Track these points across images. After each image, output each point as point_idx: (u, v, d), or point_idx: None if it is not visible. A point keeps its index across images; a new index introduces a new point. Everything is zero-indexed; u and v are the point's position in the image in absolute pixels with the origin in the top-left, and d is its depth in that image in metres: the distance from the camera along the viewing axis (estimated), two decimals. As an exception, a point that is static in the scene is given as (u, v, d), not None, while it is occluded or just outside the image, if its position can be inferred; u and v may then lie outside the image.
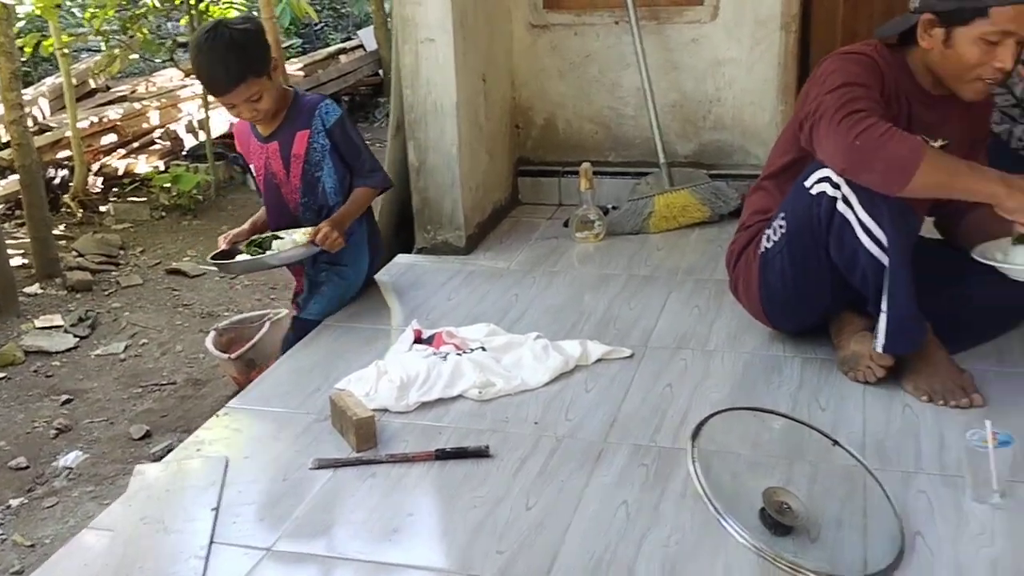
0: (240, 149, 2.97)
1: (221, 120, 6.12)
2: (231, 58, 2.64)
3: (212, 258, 2.86)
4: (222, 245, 2.87)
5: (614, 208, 3.56)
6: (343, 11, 9.59)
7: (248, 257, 2.78)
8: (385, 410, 2.31)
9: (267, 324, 3.14)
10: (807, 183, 2.26)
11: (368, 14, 8.48)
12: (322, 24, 9.34)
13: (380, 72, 7.97)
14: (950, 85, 2.26)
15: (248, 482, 2.08)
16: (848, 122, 2.08)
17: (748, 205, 2.62)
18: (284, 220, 2.90)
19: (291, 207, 2.89)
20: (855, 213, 2.17)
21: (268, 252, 2.74)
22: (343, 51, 8.12)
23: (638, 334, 2.71)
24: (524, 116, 3.88)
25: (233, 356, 3.10)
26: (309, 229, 2.75)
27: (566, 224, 3.52)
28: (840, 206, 2.19)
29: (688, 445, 1.80)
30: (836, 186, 2.19)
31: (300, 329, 2.87)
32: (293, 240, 2.76)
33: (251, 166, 2.94)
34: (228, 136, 6.15)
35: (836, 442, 1.96)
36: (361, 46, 8.22)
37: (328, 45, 8.56)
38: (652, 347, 2.63)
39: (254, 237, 2.87)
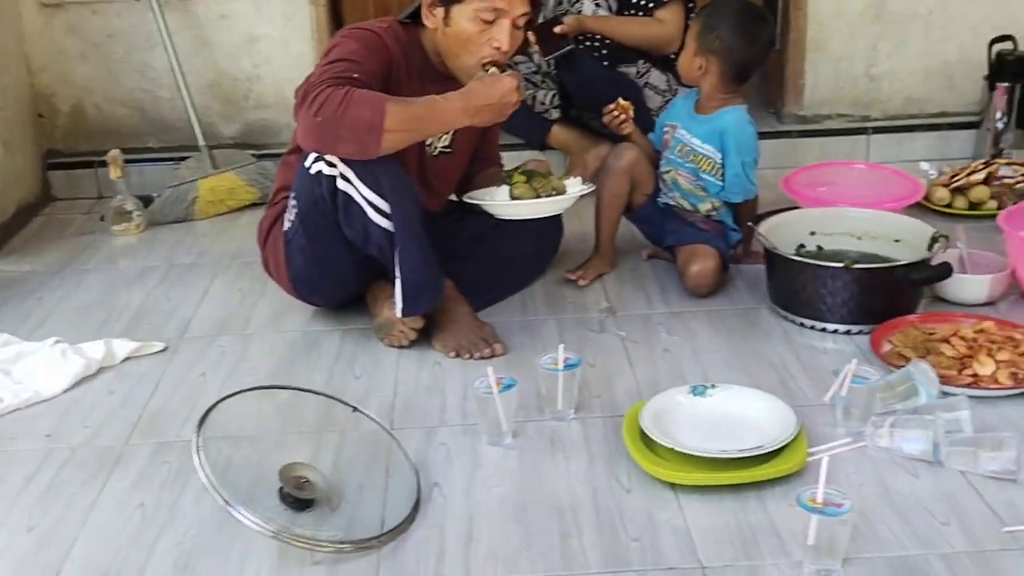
0: None
1: None
2: None
3: None
4: None
5: (156, 196, 3.36)
6: None
7: None
8: None
9: None
10: (307, 163, 2.24)
11: None
12: None
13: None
14: (452, 65, 2.32)
15: None
16: (308, 100, 2.07)
17: (276, 181, 2.57)
18: None
19: None
20: (356, 188, 2.18)
21: None
22: None
23: (175, 325, 2.57)
24: (47, 104, 3.55)
25: None
26: None
27: (102, 218, 3.27)
28: (340, 183, 2.19)
29: (193, 436, 1.70)
30: (332, 164, 2.19)
31: None
32: None
33: None
34: None
35: (355, 408, 1.96)
36: None
37: None
38: (188, 338, 2.50)
39: None
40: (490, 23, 2.23)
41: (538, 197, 2.35)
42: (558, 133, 3.49)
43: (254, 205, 3.41)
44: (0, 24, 3.28)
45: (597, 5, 3.35)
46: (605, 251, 2.74)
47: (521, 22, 2.27)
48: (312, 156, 2.21)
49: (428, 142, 2.42)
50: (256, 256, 2.94)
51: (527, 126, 3.50)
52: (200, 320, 2.60)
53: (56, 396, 2.21)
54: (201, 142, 3.40)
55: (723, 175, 2.61)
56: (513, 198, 2.36)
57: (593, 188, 2.50)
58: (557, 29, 3.19)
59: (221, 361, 2.38)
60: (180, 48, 3.39)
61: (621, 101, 2.66)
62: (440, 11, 2.25)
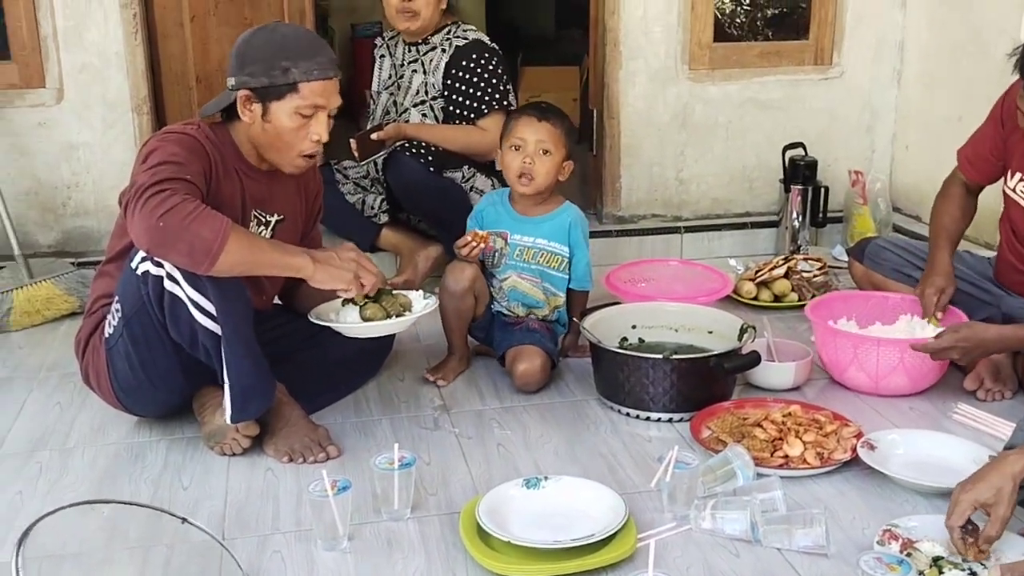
0: None
1: None
2: None
3: None
4: None
5: (-34, 308, 3.21)
6: None
7: None
8: None
9: None
10: (133, 264, 2.22)
11: None
12: None
13: None
14: (272, 158, 2.36)
15: None
16: (153, 201, 2.06)
17: (92, 291, 2.51)
18: None
19: None
20: (183, 289, 2.17)
21: None
22: None
23: (-13, 443, 2.44)
24: None
25: None
26: None
27: (-94, 332, 3.10)
28: (167, 283, 2.17)
29: (13, 556, 1.62)
30: (159, 264, 2.17)
31: None
32: None
33: None
34: None
35: (184, 519, 1.90)
36: None
37: None
38: (4, 455, 2.38)
39: None
40: (308, 117, 2.29)
41: (388, 317, 2.37)
42: (388, 236, 3.55)
43: (73, 315, 3.30)
44: None
45: (424, 115, 3.47)
46: (460, 352, 2.80)
47: (334, 112, 2.35)
48: (139, 256, 2.19)
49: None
50: (76, 367, 2.85)
51: (357, 229, 3.56)
52: (16, 436, 2.48)
53: None
54: (16, 251, 3.28)
55: (569, 269, 2.74)
56: (364, 319, 2.37)
57: (436, 302, 2.54)
58: (374, 136, 3.29)
59: (39, 478, 2.27)
60: (-6, 155, 3.30)
61: (478, 231, 2.71)
62: (258, 107, 2.29)
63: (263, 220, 2.43)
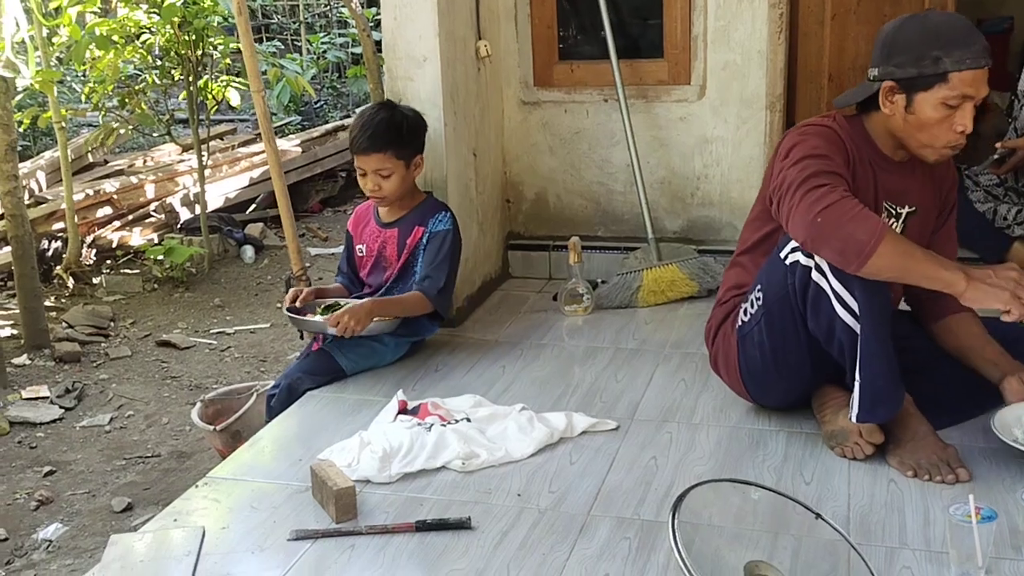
0: (351, 228, 3.17)
1: (216, 195, 6.18)
2: (382, 127, 2.91)
3: (288, 310, 2.99)
4: (288, 302, 3.00)
5: (603, 282, 3.58)
6: (343, 91, 9.73)
7: (316, 319, 2.90)
8: (367, 481, 2.30)
9: (254, 396, 3.12)
10: (782, 254, 2.29)
11: (367, 93, 8.61)
12: (322, 103, 9.47)
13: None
14: (913, 149, 2.31)
15: (224, 552, 2.05)
16: (811, 197, 2.11)
17: (724, 281, 2.64)
18: (365, 296, 3.08)
19: (381, 290, 3.06)
20: (828, 282, 2.19)
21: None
22: (341, 128, 8.22)
23: (624, 407, 2.70)
24: (515, 191, 3.92)
25: (219, 428, 3.08)
26: None
27: (555, 298, 3.54)
28: (815, 275, 2.21)
29: (668, 517, 1.78)
30: (810, 255, 2.21)
31: (318, 361, 2.95)
32: None
33: (359, 246, 3.13)
34: (224, 210, 6.22)
35: (819, 515, 1.93)
36: (358, 124, 8.31)
37: (327, 123, 8.67)
38: (638, 420, 2.62)
39: (331, 302, 3.00)
40: (954, 108, 2.20)
41: None
42: (1020, 250, 3.28)
43: (691, 298, 3.52)
44: (488, 119, 3.69)
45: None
46: None
47: (979, 102, 2.23)
48: (790, 246, 2.26)
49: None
50: (696, 349, 3.04)
51: (984, 240, 3.34)
52: (647, 404, 2.71)
53: (524, 459, 2.40)
54: (650, 234, 3.58)
55: None
56: None
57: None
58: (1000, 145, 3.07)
59: (670, 447, 2.46)
60: (639, 147, 3.61)
61: None
62: (901, 98, 2.25)
63: (893, 212, 2.39)
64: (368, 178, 2.93)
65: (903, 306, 2.60)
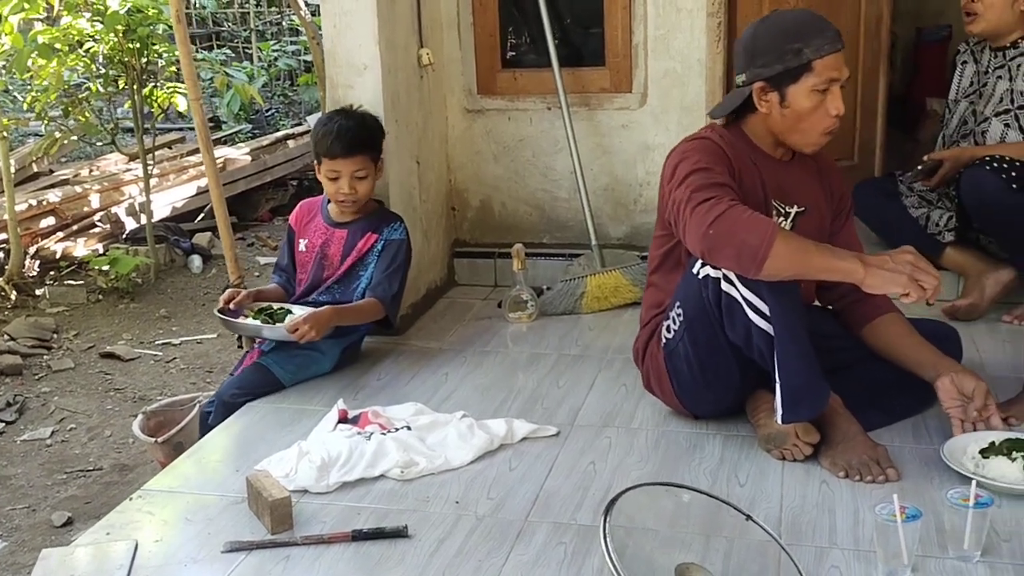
0: (293, 222, 3.13)
1: (163, 204, 6.12)
2: (359, 130, 2.94)
3: (219, 311, 2.96)
4: (222, 304, 2.96)
5: (548, 289, 3.60)
6: (295, 98, 9.68)
7: (253, 322, 2.88)
8: (305, 491, 2.29)
9: (197, 407, 3.10)
10: (694, 269, 2.33)
11: (318, 101, 8.58)
12: (273, 111, 9.42)
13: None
14: (794, 142, 2.40)
15: (157, 566, 2.04)
16: (700, 211, 2.16)
17: (644, 302, 2.69)
18: (301, 298, 3.06)
19: (319, 289, 3.04)
20: (738, 290, 2.23)
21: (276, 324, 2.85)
22: (291, 136, 8.17)
23: (565, 412, 2.72)
24: (460, 198, 3.93)
25: (160, 440, 3.05)
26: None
27: (500, 305, 3.55)
28: (724, 285, 2.26)
29: (600, 521, 1.80)
30: (716, 267, 2.25)
31: (254, 376, 2.91)
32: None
33: (302, 240, 3.09)
34: (171, 219, 6.16)
35: (749, 517, 1.96)
36: (310, 131, 8.27)
37: (278, 131, 8.62)
38: (578, 425, 2.64)
39: (264, 305, 2.97)
40: (824, 92, 2.30)
41: None
42: (953, 255, 3.35)
43: (635, 304, 3.54)
44: (432, 127, 3.70)
45: (1006, 125, 3.21)
46: None
47: (844, 84, 2.34)
48: (698, 263, 2.31)
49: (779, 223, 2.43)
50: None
51: (917, 247, 3.38)
52: (588, 409, 2.73)
53: (464, 466, 2.40)
54: (593, 241, 3.60)
55: None
56: None
57: None
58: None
59: (609, 452, 2.48)
60: (582, 154, 3.64)
61: None
62: (774, 95, 2.34)
63: (782, 211, 2.46)
64: (342, 181, 2.93)
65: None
